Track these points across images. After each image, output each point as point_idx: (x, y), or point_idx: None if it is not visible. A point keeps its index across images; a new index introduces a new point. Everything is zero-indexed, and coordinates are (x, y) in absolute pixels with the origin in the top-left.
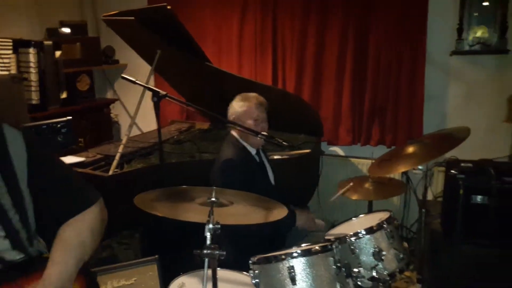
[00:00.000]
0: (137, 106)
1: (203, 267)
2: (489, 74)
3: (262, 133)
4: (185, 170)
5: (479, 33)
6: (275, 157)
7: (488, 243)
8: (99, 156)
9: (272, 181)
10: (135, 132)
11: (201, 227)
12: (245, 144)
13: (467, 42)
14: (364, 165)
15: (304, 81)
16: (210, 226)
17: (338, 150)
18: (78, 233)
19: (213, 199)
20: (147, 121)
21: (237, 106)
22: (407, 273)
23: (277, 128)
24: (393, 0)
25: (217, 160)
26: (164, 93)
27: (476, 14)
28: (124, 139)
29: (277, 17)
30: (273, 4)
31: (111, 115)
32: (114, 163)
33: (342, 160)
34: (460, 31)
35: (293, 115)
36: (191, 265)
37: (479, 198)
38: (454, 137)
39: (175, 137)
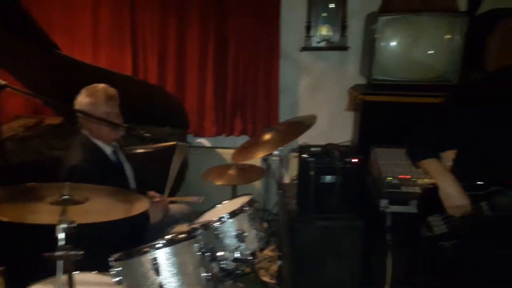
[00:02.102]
0: None
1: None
2: (333, 68)
3: (122, 124)
4: (33, 170)
5: (324, 31)
6: (139, 150)
7: (335, 216)
8: None
9: (132, 183)
10: None
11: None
12: (98, 142)
13: (314, 39)
14: (229, 154)
15: (168, 75)
16: (63, 225)
17: (204, 141)
18: None
19: (66, 196)
20: None
21: (82, 102)
22: (269, 253)
23: (140, 121)
24: (248, 1)
25: (62, 165)
26: (4, 82)
27: (322, 14)
28: None
29: (135, 8)
30: None
31: None
32: None
33: (208, 151)
34: (308, 29)
35: (156, 107)
36: (45, 273)
37: (327, 177)
38: (304, 124)
39: (20, 133)
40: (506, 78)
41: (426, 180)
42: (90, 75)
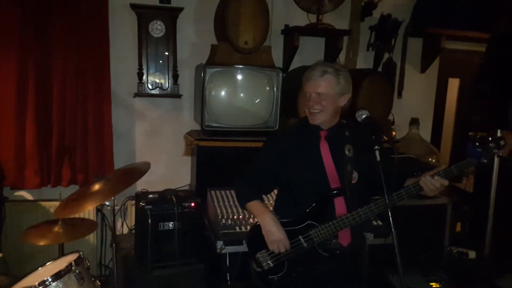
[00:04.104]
0: None
1: None
2: (168, 115)
3: None
4: None
5: (156, 79)
6: None
7: (174, 264)
8: None
9: None
10: None
11: None
12: None
13: (147, 85)
14: (55, 207)
15: None
16: None
17: (25, 194)
18: None
19: None
20: None
21: None
22: None
23: None
24: (73, 36)
25: None
26: None
27: (152, 61)
28: None
29: None
30: None
31: None
32: None
33: (30, 205)
34: (140, 75)
35: None
36: None
37: (165, 224)
38: (138, 170)
39: None
40: (300, 125)
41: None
42: None
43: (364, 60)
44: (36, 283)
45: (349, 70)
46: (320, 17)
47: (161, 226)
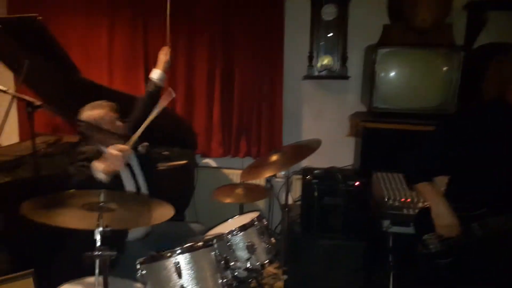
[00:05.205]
0: (4, 118)
1: (83, 275)
2: (334, 96)
3: (142, 143)
4: (58, 183)
5: (325, 61)
6: None
7: (337, 236)
8: None
9: (143, 187)
10: None
11: (79, 235)
12: None
13: (316, 68)
14: (234, 174)
15: (177, 98)
16: (100, 229)
17: (211, 161)
18: None
19: (101, 203)
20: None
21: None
22: (274, 270)
23: (152, 142)
24: (253, 30)
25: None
26: (38, 103)
27: (322, 45)
28: None
29: (148, 34)
30: (143, 20)
31: None
32: None
33: (215, 171)
34: (310, 58)
35: (167, 129)
36: (69, 276)
37: (330, 199)
38: (309, 147)
39: (43, 150)
40: (494, 109)
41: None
42: (107, 97)
43: None
44: (227, 231)
45: None
46: None
47: (326, 200)
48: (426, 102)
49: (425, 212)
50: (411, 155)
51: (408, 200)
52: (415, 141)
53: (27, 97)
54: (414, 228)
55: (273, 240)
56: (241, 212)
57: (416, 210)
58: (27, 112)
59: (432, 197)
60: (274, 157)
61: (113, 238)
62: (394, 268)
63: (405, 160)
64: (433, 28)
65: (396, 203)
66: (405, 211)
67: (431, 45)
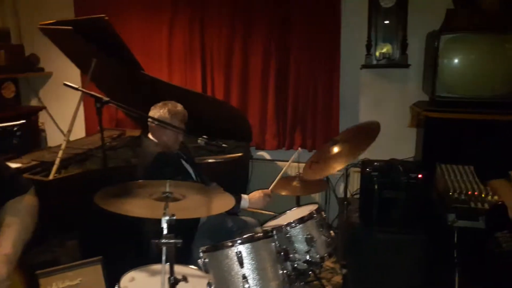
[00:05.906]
0: (74, 114)
1: (149, 263)
2: (393, 85)
3: (203, 136)
4: (123, 174)
5: (384, 50)
6: (210, 160)
7: (398, 230)
8: (34, 162)
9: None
10: (59, 139)
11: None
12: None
13: (374, 57)
14: (289, 167)
15: (232, 91)
16: (167, 217)
17: (264, 154)
18: (21, 213)
19: (168, 192)
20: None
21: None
22: (331, 264)
23: (208, 134)
24: (310, 20)
25: (143, 159)
26: (106, 99)
27: (381, 32)
28: (63, 145)
29: (204, 28)
30: (201, 15)
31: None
32: (54, 167)
33: (269, 163)
34: (368, 47)
35: (223, 122)
36: (135, 263)
37: (390, 192)
38: (369, 129)
39: (108, 143)
40: None
41: (496, 198)
42: (167, 92)
43: None
44: (285, 223)
45: None
46: None
47: (386, 193)
48: (495, 90)
49: (499, 208)
50: (486, 147)
51: (476, 193)
52: (483, 131)
53: (95, 94)
54: (486, 224)
55: (332, 233)
56: (298, 203)
57: (486, 204)
58: (96, 108)
59: (510, 196)
60: (335, 149)
61: (185, 227)
62: (460, 265)
63: (478, 152)
64: (503, 10)
65: (462, 196)
66: (472, 205)
67: (500, 29)
